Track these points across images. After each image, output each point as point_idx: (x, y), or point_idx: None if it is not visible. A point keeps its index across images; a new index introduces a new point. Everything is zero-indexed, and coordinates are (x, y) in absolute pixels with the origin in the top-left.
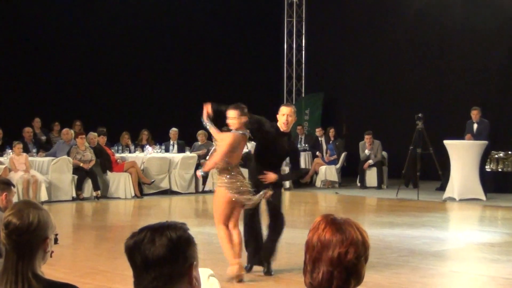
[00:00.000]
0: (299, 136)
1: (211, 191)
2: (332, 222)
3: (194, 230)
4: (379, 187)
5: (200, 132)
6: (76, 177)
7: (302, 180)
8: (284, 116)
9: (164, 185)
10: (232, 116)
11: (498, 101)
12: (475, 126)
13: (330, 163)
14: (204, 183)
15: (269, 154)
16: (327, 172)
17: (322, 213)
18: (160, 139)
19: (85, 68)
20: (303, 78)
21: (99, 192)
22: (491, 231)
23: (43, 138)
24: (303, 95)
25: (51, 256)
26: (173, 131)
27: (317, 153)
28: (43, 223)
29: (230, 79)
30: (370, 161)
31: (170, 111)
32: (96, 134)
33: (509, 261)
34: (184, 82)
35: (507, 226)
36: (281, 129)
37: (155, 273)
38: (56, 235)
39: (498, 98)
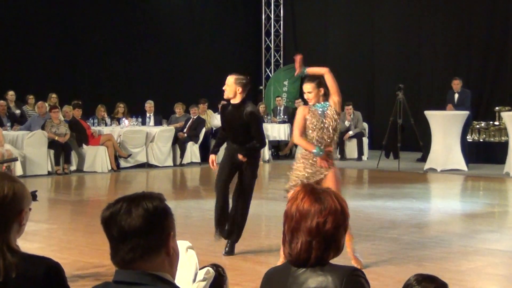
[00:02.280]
0: (278, 108)
1: (189, 164)
2: (311, 192)
3: (172, 204)
4: (359, 158)
5: (177, 104)
6: (52, 151)
7: (281, 152)
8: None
9: (141, 158)
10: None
11: (479, 71)
12: (456, 96)
13: None
14: (182, 155)
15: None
16: None
17: (300, 185)
18: (136, 112)
19: (60, 40)
20: (282, 49)
21: (70, 166)
22: (473, 201)
23: (17, 111)
24: (281, 66)
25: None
26: (149, 103)
27: None
28: (19, 195)
29: (207, 50)
30: (350, 132)
31: (145, 83)
32: (71, 107)
33: (491, 231)
34: (159, 54)
35: (489, 196)
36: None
37: (132, 244)
38: (35, 191)
39: (480, 67)
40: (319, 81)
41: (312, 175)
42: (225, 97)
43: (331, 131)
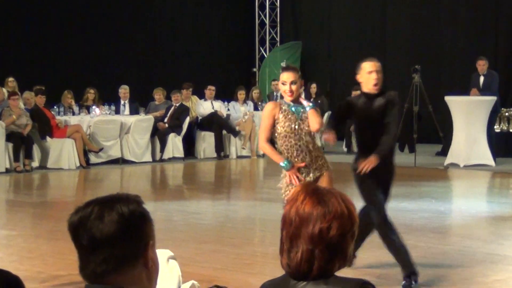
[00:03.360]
0: (275, 93)
1: (170, 160)
2: (312, 193)
3: (151, 206)
4: None
5: (157, 89)
6: (10, 145)
7: None
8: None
9: (115, 153)
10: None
11: (508, 50)
12: (482, 79)
13: None
14: (162, 149)
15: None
16: None
17: (301, 184)
18: (109, 99)
19: (20, 17)
20: (278, 25)
21: (32, 162)
22: (502, 202)
23: None
24: (278, 45)
25: None
26: (124, 89)
27: None
28: None
29: (191, 26)
30: None
31: (120, 66)
32: (33, 93)
33: None
34: (135, 32)
35: None
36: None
37: (104, 255)
38: None
39: (509, 46)
40: (299, 71)
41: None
42: (376, 89)
43: (309, 137)
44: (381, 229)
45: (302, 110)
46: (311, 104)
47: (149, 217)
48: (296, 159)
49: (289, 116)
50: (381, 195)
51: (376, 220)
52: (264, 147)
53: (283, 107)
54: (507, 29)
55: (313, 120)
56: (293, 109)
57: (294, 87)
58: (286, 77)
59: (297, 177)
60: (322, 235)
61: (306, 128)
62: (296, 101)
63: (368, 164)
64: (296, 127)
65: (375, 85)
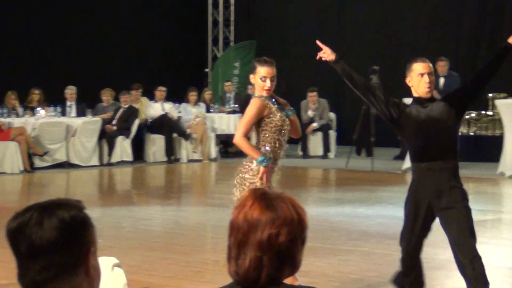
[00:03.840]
0: (228, 95)
1: (119, 163)
2: (261, 198)
3: (98, 211)
4: (325, 155)
5: (104, 90)
6: None
7: (232, 148)
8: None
9: (61, 156)
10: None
11: (470, 51)
12: (442, 80)
13: None
14: (110, 153)
15: None
16: None
17: (249, 188)
18: (55, 101)
19: None
20: (232, 24)
21: None
22: None
23: None
24: (231, 44)
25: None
26: (70, 90)
27: None
28: None
29: (143, 25)
30: (315, 125)
31: (66, 66)
32: None
33: (481, 243)
34: (82, 30)
35: (480, 201)
36: None
37: (44, 262)
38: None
39: (470, 47)
40: None
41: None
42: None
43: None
44: None
45: (289, 109)
46: (291, 108)
47: (91, 223)
48: (279, 156)
49: (279, 111)
50: None
51: None
52: (241, 141)
53: (270, 104)
54: (469, 29)
55: (298, 127)
56: (273, 101)
57: (273, 83)
58: (266, 71)
59: (267, 177)
60: (271, 241)
61: (287, 125)
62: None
63: None
64: (283, 123)
65: (428, 88)
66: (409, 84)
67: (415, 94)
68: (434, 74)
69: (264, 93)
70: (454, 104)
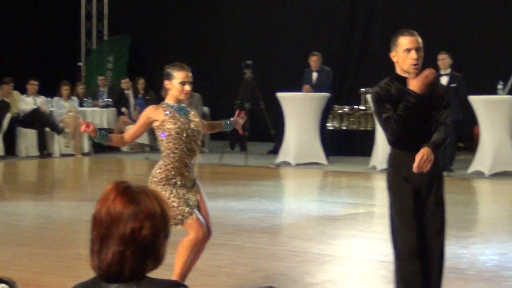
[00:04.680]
0: (101, 89)
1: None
2: (124, 191)
3: None
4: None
5: None
6: None
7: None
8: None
9: None
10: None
11: (343, 46)
12: (315, 75)
13: None
14: None
15: None
16: None
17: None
18: None
19: None
20: (106, 18)
21: None
22: (333, 201)
23: None
24: (105, 38)
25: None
26: None
27: (123, 109)
28: None
29: (14, 17)
30: None
31: None
32: None
33: (352, 236)
34: None
35: (352, 195)
36: None
37: None
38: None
39: (343, 42)
40: None
41: (187, 195)
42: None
43: (199, 135)
44: None
45: (187, 109)
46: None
47: None
48: (187, 161)
49: (177, 117)
50: None
51: None
52: (126, 139)
53: (166, 109)
54: (342, 24)
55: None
56: (178, 109)
57: (191, 87)
58: (185, 76)
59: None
60: (134, 235)
61: (195, 128)
62: (179, 101)
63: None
64: (187, 127)
65: (415, 65)
66: (394, 59)
67: (399, 72)
68: (423, 50)
69: (182, 97)
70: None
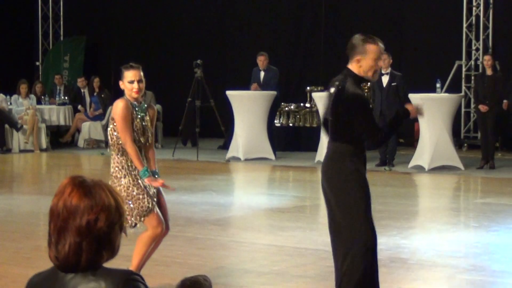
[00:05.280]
0: (58, 87)
1: None
2: (80, 185)
3: None
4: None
5: None
6: None
7: (62, 138)
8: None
9: None
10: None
11: (289, 45)
12: (262, 74)
13: (95, 118)
14: None
15: None
16: (92, 129)
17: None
18: None
19: None
20: (62, 19)
21: None
22: (281, 194)
23: None
24: (61, 39)
25: None
26: None
27: (79, 107)
28: None
29: None
30: None
31: None
32: None
33: (299, 228)
34: None
35: (298, 188)
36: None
37: None
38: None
39: (289, 41)
40: None
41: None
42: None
43: (150, 135)
44: None
45: (144, 107)
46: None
47: None
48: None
49: (138, 115)
50: None
51: None
52: (133, 148)
53: (130, 107)
54: (288, 25)
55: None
56: (137, 108)
57: (142, 85)
58: (133, 75)
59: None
60: (89, 227)
61: (148, 123)
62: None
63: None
64: (145, 124)
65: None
66: (359, 64)
67: (361, 74)
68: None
69: (133, 94)
70: None
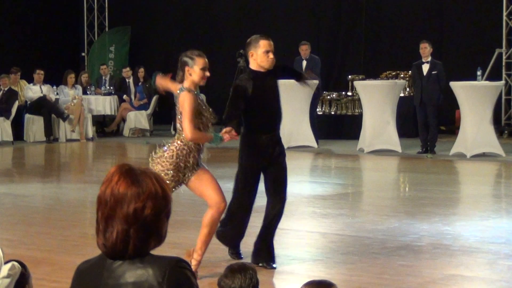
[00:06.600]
0: (103, 78)
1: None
2: (127, 173)
3: None
4: None
5: None
6: None
7: (108, 128)
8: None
9: None
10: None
11: (330, 35)
12: (304, 63)
13: (139, 108)
14: None
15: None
16: (137, 118)
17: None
18: None
19: None
20: (106, 10)
21: None
22: (323, 182)
23: None
24: (106, 30)
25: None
26: None
27: (124, 96)
28: None
29: (21, 11)
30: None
31: None
32: None
33: (341, 215)
34: None
35: (341, 176)
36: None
37: None
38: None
39: (330, 31)
40: None
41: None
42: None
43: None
44: None
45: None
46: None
47: None
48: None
49: (202, 104)
50: None
51: None
52: (195, 133)
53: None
54: (328, 14)
55: None
56: (200, 96)
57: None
58: (205, 62)
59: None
60: (136, 214)
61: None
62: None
63: None
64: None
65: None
66: (252, 57)
67: (254, 67)
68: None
69: (202, 82)
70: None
